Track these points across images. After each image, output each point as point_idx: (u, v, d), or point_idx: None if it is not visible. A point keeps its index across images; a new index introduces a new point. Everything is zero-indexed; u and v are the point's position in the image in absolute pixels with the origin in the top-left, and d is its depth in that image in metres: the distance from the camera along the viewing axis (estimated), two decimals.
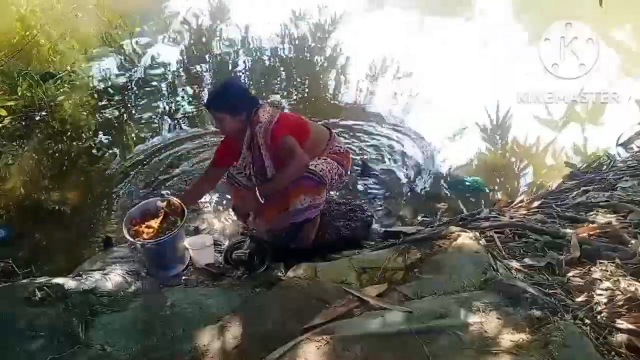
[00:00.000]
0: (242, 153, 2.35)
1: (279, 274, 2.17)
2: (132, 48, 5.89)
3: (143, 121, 4.36)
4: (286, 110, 2.34)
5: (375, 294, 1.84)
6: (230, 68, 5.45)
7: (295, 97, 4.71)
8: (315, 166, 2.26)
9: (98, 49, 5.79)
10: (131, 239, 2.24)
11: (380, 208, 3.23)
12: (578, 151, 3.83)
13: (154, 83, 5.09)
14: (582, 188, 2.92)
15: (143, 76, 5.22)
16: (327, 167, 2.31)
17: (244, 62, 5.60)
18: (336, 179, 2.40)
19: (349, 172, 2.58)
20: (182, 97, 4.82)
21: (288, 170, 2.19)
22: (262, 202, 2.19)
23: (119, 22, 6.04)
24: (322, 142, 2.42)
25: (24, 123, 4.14)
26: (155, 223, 2.32)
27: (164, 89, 5.00)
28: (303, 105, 4.55)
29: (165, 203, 2.38)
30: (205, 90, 4.93)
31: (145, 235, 2.26)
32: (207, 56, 5.79)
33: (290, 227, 2.50)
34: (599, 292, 1.75)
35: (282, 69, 5.44)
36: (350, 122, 4.23)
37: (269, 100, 2.36)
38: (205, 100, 2.27)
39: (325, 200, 2.44)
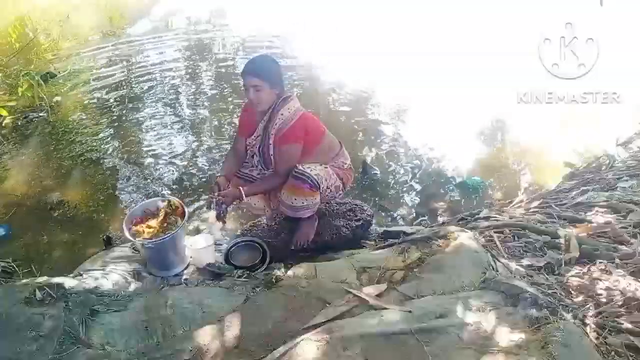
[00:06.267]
0: (257, 130, 2.36)
1: (279, 274, 2.17)
2: (132, 46, 5.90)
3: (144, 120, 4.36)
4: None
5: (375, 294, 1.84)
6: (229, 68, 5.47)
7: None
8: (311, 170, 2.26)
9: (98, 48, 5.80)
10: (132, 239, 2.25)
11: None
12: (577, 151, 3.83)
13: (154, 81, 5.09)
14: (582, 188, 2.92)
15: (143, 74, 5.23)
16: (323, 175, 2.32)
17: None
18: (331, 190, 2.41)
19: (346, 188, 2.59)
20: (182, 96, 4.83)
21: (271, 181, 2.38)
22: (244, 199, 2.31)
23: (119, 21, 6.04)
24: (331, 151, 2.45)
25: (23, 123, 4.14)
26: (155, 223, 2.32)
27: (164, 87, 5.00)
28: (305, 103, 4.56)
29: (165, 203, 2.39)
30: (204, 89, 4.95)
31: (145, 235, 2.26)
32: (205, 53, 5.80)
33: (289, 224, 2.50)
34: (598, 292, 1.76)
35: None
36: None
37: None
38: (243, 68, 2.24)
39: (319, 203, 2.43)
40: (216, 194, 2.28)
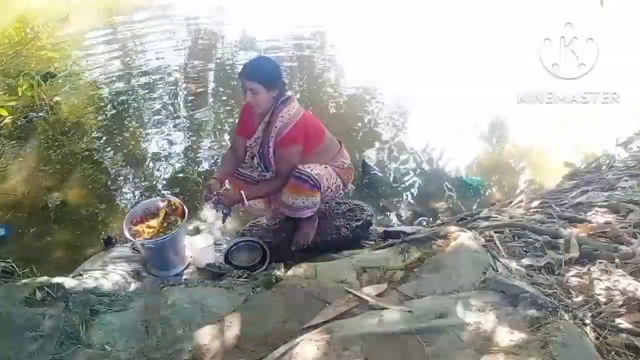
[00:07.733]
0: (257, 132, 2.35)
1: (279, 274, 2.17)
2: (132, 46, 5.90)
3: (143, 119, 4.36)
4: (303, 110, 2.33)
5: (375, 294, 1.84)
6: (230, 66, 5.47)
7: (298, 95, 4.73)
8: (311, 170, 2.26)
9: (98, 48, 5.80)
10: (132, 239, 2.25)
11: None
12: (577, 151, 3.83)
13: (154, 81, 5.10)
14: (582, 188, 2.92)
15: (143, 74, 5.23)
16: (324, 174, 2.31)
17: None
18: (332, 189, 2.40)
19: (347, 188, 2.59)
20: (182, 95, 4.83)
21: (272, 184, 2.36)
22: (245, 204, 2.27)
23: (119, 20, 6.04)
24: (331, 151, 2.45)
25: (23, 123, 4.14)
26: (155, 223, 2.32)
27: (164, 86, 5.00)
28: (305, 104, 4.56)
29: (165, 203, 2.39)
30: (205, 88, 4.95)
31: (145, 235, 2.26)
32: (205, 52, 5.80)
33: (289, 224, 2.50)
34: (598, 292, 1.75)
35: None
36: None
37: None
38: (241, 71, 2.23)
39: (319, 203, 2.43)
40: (215, 193, 2.27)
